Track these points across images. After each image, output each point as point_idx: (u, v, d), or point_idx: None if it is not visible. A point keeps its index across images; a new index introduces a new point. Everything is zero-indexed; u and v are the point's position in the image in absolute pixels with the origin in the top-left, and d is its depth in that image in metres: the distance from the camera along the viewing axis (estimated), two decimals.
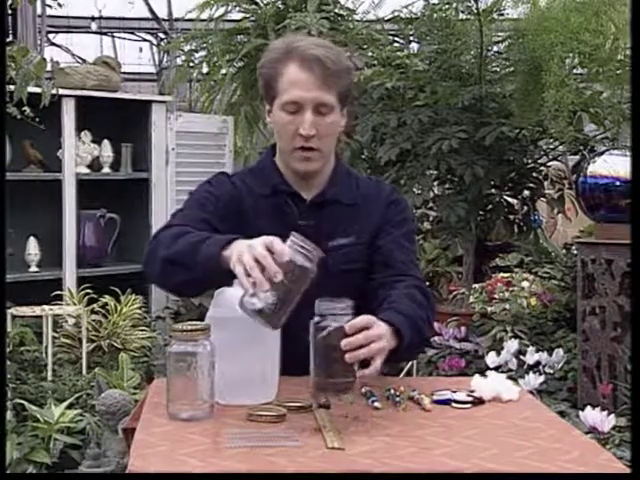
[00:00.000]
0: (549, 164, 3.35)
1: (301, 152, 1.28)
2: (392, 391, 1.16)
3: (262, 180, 1.34)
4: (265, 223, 1.29)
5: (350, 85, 1.30)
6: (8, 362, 2.36)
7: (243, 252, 1.06)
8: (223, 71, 3.79)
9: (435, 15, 3.00)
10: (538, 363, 2.25)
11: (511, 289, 2.87)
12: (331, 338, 1.04)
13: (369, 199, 1.34)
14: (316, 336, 1.05)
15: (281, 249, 1.05)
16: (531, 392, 1.81)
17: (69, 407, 2.15)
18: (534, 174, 3.23)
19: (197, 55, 3.88)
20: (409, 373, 2.52)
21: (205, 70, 3.92)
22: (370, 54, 3.31)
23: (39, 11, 4.48)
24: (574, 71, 2.79)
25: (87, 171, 3.25)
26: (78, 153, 3.20)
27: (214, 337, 1.09)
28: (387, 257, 1.30)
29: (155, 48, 7.51)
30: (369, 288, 1.28)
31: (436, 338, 2.68)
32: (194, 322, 1.12)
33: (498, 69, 3.14)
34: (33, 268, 3.13)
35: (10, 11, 3.41)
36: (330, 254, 1.28)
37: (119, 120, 3.32)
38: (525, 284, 2.87)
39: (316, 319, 1.06)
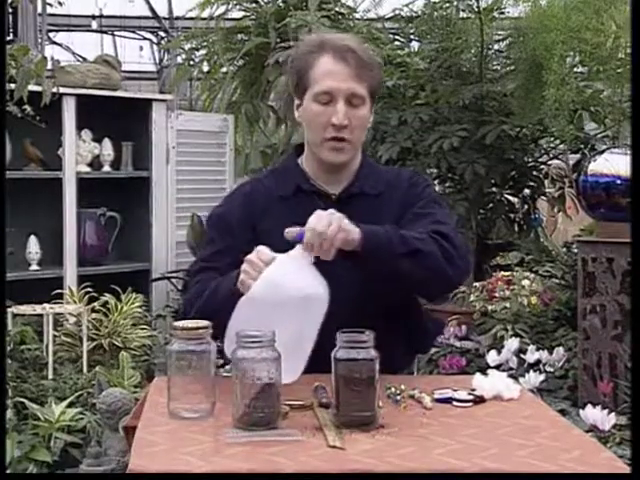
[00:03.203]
0: (550, 163, 3.35)
1: (332, 142, 1.27)
2: (393, 390, 1.16)
3: (284, 181, 1.33)
4: (286, 225, 1.27)
5: (380, 81, 1.32)
6: (9, 361, 2.36)
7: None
8: (224, 69, 3.79)
9: (436, 13, 3.01)
10: (539, 361, 2.24)
11: (512, 287, 2.86)
12: (352, 371, 1.03)
13: (391, 187, 1.34)
14: (336, 368, 1.04)
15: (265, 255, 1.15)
16: (532, 391, 1.81)
17: (70, 405, 2.14)
18: (535, 173, 3.24)
19: (198, 54, 3.88)
20: (410, 372, 2.51)
21: (206, 69, 3.92)
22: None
23: (39, 10, 4.47)
24: (575, 70, 2.79)
25: (88, 170, 3.25)
26: (79, 152, 3.19)
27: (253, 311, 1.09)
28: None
29: (156, 47, 7.51)
30: None
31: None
32: (195, 320, 1.11)
33: (499, 68, 3.14)
34: (34, 267, 3.12)
35: (10, 9, 3.40)
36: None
37: (120, 119, 3.31)
38: (526, 282, 2.86)
39: (336, 352, 1.04)
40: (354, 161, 1.33)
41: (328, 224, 1.13)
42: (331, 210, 1.16)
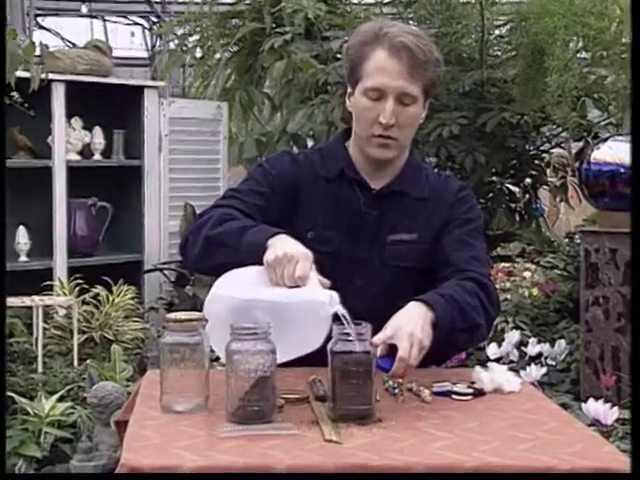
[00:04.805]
0: (552, 151, 3.31)
1: (379, 139, 1.26)
2: (391, 383, 1.15)
3: (329, 162, 1.32)
4: (324, 206, 1.28)
5: (437, 78, 1.28)
6: None
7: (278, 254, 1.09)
8: (217, 56, 3.73)
9: None
10: (540, 354, 2.21)
11: (512, 279, 2.84)
12: (349, 364, 1.01)
13: (436, 195, 1.32)
14: (333, 361, 1.02)
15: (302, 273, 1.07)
16: (533, 384, 1.77)
17: (60, 400, 2.12)
18: (536, 161, 3.20)
19: (191, 39, 3.81)
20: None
21: (199, 55, 3.86)
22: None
23: None
24: (578, 55, 2.75)
25: (78, 158, 3.20)
26: (68, 140, 3.14)
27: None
28: (448, 255, 1.28)
29: (147, 32, 7.45)
30: (429, 286, 1.22)
31: None
32: (188, 312, 1.10)
33: (500, 53, 3.09)
34: (23, 258, 3.08)
35: None
36: (389, 247, 1.29)
37: (111, 106, 3.26)
38: (527, 274, 2.83)
39: (333, 344, 1.02)
40: (400, 158, 1.32)
41: (415, 353, 1.08)
42: (412, 330, 1.08)
